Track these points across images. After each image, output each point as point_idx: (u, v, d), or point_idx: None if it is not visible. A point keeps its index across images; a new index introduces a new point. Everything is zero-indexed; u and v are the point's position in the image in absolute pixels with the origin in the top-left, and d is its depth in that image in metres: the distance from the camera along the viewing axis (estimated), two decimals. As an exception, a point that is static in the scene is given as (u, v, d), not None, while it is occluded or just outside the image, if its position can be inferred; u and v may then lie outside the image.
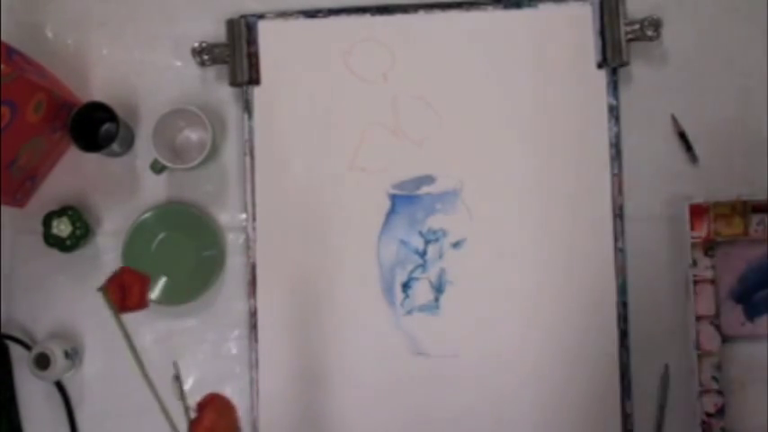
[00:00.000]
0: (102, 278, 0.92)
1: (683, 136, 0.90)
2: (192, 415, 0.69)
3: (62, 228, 0.89)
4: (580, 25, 0.90)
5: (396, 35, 0.91)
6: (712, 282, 0.86)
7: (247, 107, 0.91)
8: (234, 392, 0.91)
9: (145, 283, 0.72)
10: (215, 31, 0.93)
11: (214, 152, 0.91)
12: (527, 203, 0.89)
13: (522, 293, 0.88)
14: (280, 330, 0.90)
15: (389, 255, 0.90)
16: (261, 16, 0.92)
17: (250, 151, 0.91)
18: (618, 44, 0.88)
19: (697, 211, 0.87)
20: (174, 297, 0.91)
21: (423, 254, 0.89)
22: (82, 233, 0.90)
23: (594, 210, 0.89)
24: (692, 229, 0.86)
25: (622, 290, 0.88)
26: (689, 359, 0.87)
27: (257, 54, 0.91)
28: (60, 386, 0.91)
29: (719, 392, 0.85)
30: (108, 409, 0.92)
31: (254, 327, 0.90)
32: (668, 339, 0.89)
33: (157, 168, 0.90)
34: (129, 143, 0.92)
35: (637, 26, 0.88)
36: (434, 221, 0.89)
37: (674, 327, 0.89)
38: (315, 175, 0.91)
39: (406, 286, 0.89)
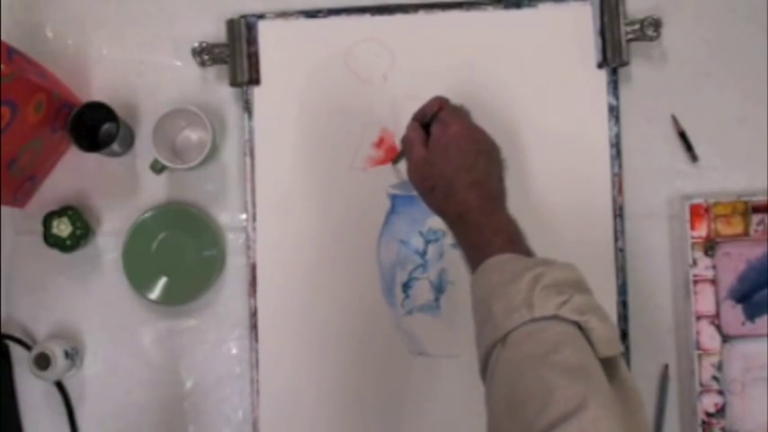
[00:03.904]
0: (102, 278, 0.93)
1: (683, 136, 0.90)
2: None
3: (62, 228, 0.89)
4: (580, 25, 0.90)
5: (396, 35, 0.91)
6: (712, 282, 0.86)
7: (247, 107, 0.91)
8: (234, 392, 0.91)
9: None
10: (215, 31, 0.93)
11: (214, 152, 0.91)
12: (526, 203, 0.89)
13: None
14: (280, 330, 0.90)
15: (390, 255, 0.90)
16: (261, 16, 0.92)
17: (250, 151, 0.91)
18: (618, 44, 0.88)
19: (697, 211, 0.87)
20: (174, 297, 0.91)
21: (423, 254, 0.89)
22: (82, 233, 0.90)
23: (594, 210, 0.89)
24: (692, 228, 0.86)
25: (622, 290, 0.88)
26: (689, 359, 0.87)
27: (257, 54, 0.91)
28: (60, 386, 0.91)
29: (719, 392, 0.85)
30: (108, 409, 0.91)
31: (254, 327, 0.90)
32: (668, 339, 0.89)
33: (157, 168, 0.90)
34: (129, 143, 0.92)
35: (637, 26, 0.88)
36: (435, 221, 0.89)
37: (673, 327, 0.89)
38: (315, 175, 0.91)
39: (406, 286, 0.89)
